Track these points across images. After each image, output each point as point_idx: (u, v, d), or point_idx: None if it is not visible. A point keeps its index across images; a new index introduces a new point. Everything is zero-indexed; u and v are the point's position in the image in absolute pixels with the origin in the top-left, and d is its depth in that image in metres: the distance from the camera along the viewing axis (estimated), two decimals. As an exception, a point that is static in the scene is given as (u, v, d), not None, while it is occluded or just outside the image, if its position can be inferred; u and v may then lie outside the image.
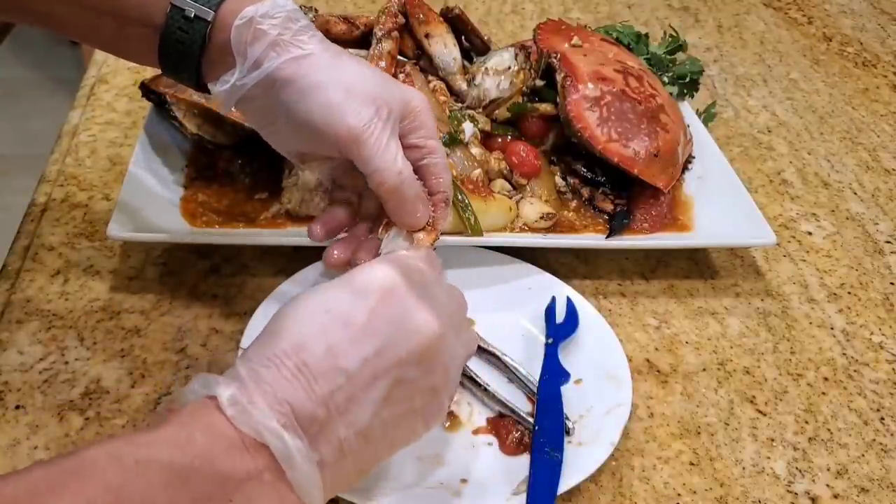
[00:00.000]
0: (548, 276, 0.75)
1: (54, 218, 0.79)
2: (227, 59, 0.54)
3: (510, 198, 0.80)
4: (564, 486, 0.57)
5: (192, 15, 0.54)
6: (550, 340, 0.69)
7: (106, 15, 0.55)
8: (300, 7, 0.83)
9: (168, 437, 0.40)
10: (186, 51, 0.55)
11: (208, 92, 0.57)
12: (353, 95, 0.53)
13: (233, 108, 0.57)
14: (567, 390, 0.65)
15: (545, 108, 0.86)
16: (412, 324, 0.47)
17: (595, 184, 0.85)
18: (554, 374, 0.66)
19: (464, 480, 0.59)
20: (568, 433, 0.62)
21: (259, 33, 0.53)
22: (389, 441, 0.48)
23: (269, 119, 0.57)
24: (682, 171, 0.88)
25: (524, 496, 0.57)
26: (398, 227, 0.57)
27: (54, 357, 0.66)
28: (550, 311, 0.72)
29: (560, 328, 0.70)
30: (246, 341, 0.64)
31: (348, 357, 0.45)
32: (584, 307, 0.72)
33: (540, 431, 0.61)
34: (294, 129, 0.55)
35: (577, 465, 0.59)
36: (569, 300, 0.72)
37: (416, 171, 0.56)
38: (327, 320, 0.46)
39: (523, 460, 0.61)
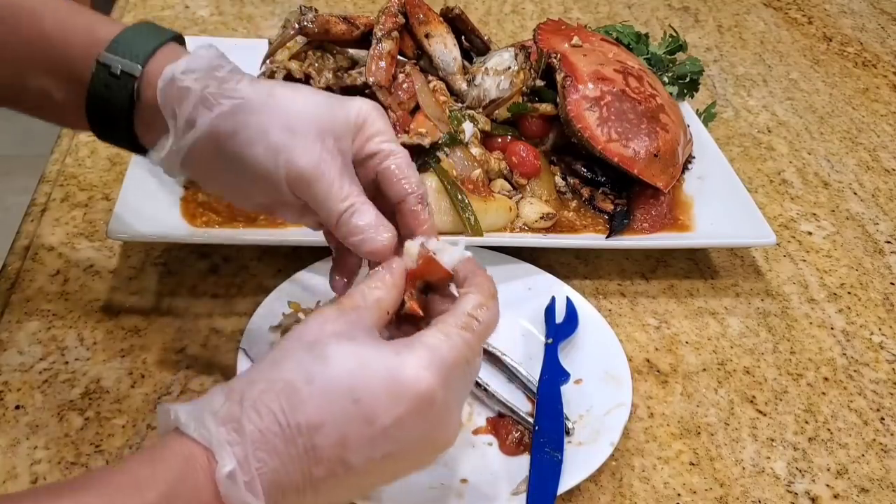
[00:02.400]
0: (548, 276, 0.75)
1: (54, 218, 0.79)
2: (158, 119, 0.52)
3: (510, 198, 0.80)
4: (564, 486, 0.57)
5: (119, 71, 0.51)
6: (550, 340, 0.69)
7: (31, 73, 0.52)
8: (300, 7, 0.83)
9: (149, 500, 0.40)
10: (114, 111, 0.52)
11: (145, 153, 0.55)
12: (296, 135, 0.51)
13: (177, 173, 0.54)
14: (567, 390, 0.65)
15: (545, 108, 0.86)
16: (431, 440, 0.46)
17: (595, 184, 0.85)
18: (554, 374, 0.66)
19: (464, 480, 0.59)
20: (568, 433, 0.61)
21: (184, 91, 0.51)
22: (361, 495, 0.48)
23: (218, 177, 0.54)
24: (682, 171, 0.88)
25: (524, 496, 0.57)
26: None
27: (54, 357, 0.66)
28: (550, 311, 0.72)
29: (560, 328, 0.70)
30: (246, 342, 0.64)
31: (357, 454, 0.43)
32: (584, 307, 0.72)
33: (540, 431, 0.61)
34: (247, 180, 0.52)
35: (577, 465, 0.59)
36: (568, 300, 0.72)
37: (380, 177, 0.54)
38: (352, 411, 0.43)
39: (523, 460, 0.61)
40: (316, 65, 0.85)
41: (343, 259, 0.58)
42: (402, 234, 0.53)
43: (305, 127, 0.51)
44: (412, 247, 0.52)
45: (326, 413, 0.42)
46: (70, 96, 0.53)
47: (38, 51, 0.52)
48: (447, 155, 0.80)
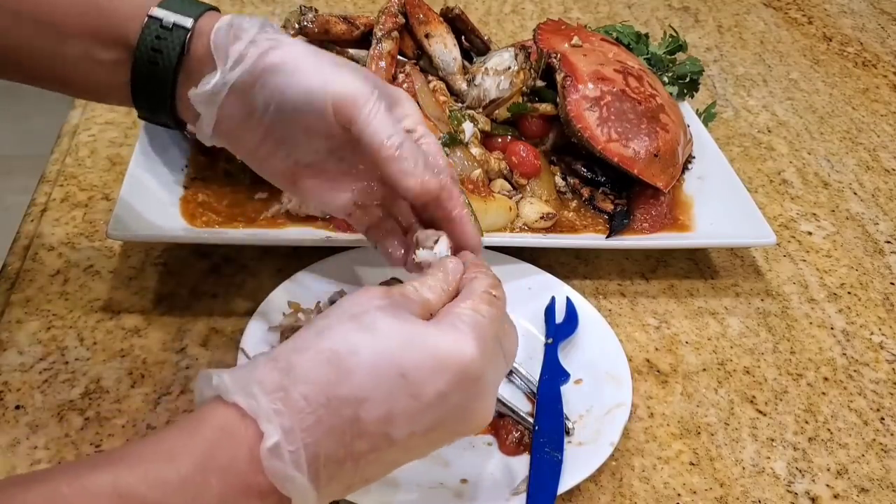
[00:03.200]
0: (548, 276, 0.75)
1: (54, 218, 0.79)
2: (203, 71, 0.53)
3: (510, 198, 0.80)
4: (564, 486, 0.57)
5: (171, 24, 0.53)
6: (550, 340, 0.69)
7: (74, 37, 0.53)
8: (300, 7, 0.83)
9: (184, 474, 0.39)
10: (161, 70, 0.53)
11: (182, 126, 0.56)
12: (345, 67, 0.53)
13: (210, 136, 0.55)
14: (567, 390, 0.65)
15: (545, 108, 0.86)
16: (473, 413, 0.46)
17: (595, 184, 0.85)
18: (554, 374, 0.66)
19: (464, 480, 0.59)
20: (568, 433, 0.61)
21: (240, 33, 0.52)
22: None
23: (252, 130, 0.55)
24: (682, 171, 0.88)
25: (524, 496, 0.57)
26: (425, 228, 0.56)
27: (54, 357, 0.66)
28: (550, 311, 0.72)
29: (560, 328, 0.70)
30: (246, 341, 0.64)
31: (401, 428, 0.43)
32: (584, 307, 0.72)
33: (540, 431, 0.61)
34: (286, 119, 0.53)
35: (577, 465, 0.59)
36: (568, 300, 0.72)
37: None
38: (398, 385, 0.43)
39: (523, 460, 0.61)
40: None
41: (389, 244, 0.59)
42: (430, 219, 0.56)
43: (353, 68, 0.53)
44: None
45: (373, 386, 0.42)
46: (114, 59, 0.53)
47: (86, 14, 0.53)
48: (447, 155, 0.80)
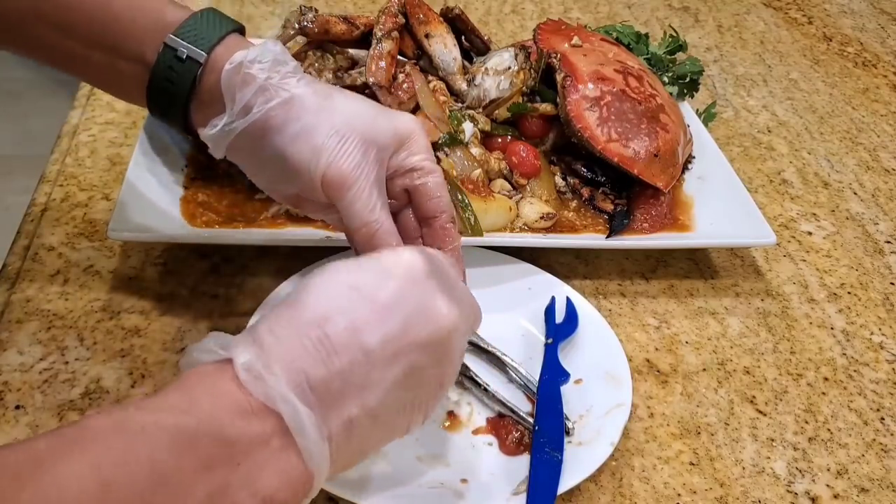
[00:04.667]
0: (548, 276, 0.75)
1: (54, 218, 0.79)
2: (215, 103, 0.55)
3: (510, 198, 0.80)
4: (564, 486, 0.57)
5: (185, 56, 0.54)
6: (550, 340, 0.69)
7: (97, 48, 0.55)
8: (300, 7, 0.83)
9: (174, 403, 0.40)
10: (175, 91, 0.55)
11: (196, 136, 0.58)
12: (341, 140, 0.54)
13: (221, 153, 0.57)
14: (567, 390, 0.65)
15: (545, 108, 0.86)
16: (434, 311, 0.47)
17: (595, 184, 0.85)
18: (554, 374, 0.66)
19: (464, 480, 0.59)
20: (568, 433, 0.62)
21: (248, 78, 0.54)
22: (391, 428, 0.47)
23: (259, 164, 0.58)
24: (683, 171, 0.88)
25: (524, 496, 0.57)
26: None
27: (54, 357, 0.66)
28: (550, 311, 0.72)
29: (560, 328, 0.70)
30: None
31: (370, 334, 0.44)
32: (584, 307, 0.72)
33: (540, 431, 0.61)
34: (285, 174, 0.56)
35: (577, 465, 0.59)
36: (568, 300, 0.72)
37: (412, 193, 0.58)
38: (354, 296, 0.45)
39: (523, 460, 0.61)
40: (316, 65, 0.85)
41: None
42: (427, 245, 0.58)
43: (352, 134, 0.54)
44: None
45: (331, 304, 0.44)
46: (134, 72, 0.56)
47: (106, 31, 0.55)
48: (447, 155, 0.80)
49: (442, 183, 0.58)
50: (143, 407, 0.40)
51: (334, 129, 0.54)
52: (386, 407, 0.45)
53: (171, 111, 0.57)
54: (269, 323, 0.44)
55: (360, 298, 0.45)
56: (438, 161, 0.74)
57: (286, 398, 0.41)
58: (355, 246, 0.56)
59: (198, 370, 0.42)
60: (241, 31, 0.58)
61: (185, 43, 0.54)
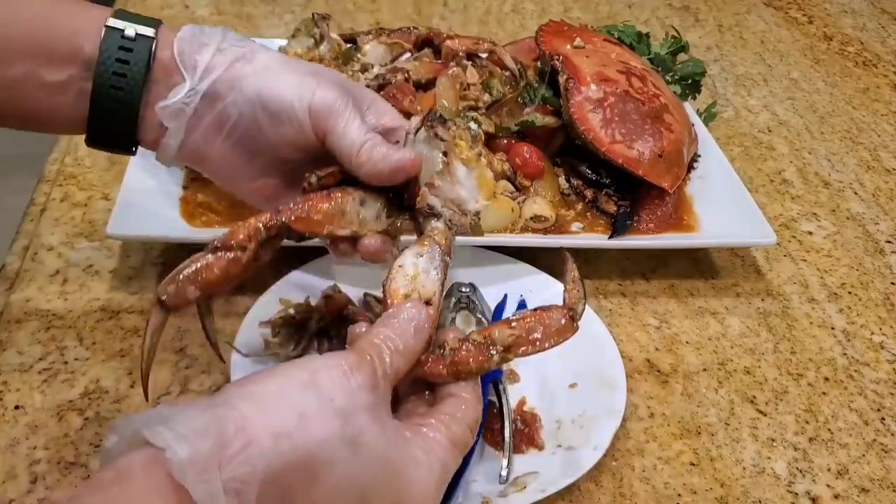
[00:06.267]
0: (548, 276, 0.75)
1: (53, 218, 0.79)
2: (169, 83, 0.51)
3: (513, 199, 0.80)
4: (550, 490, 0.57)
5: (134, 34, 0.50)
6: None
7: (17, 57, 0.49)
8: (314, 15, 0.83)
9: None
10: (129, 76, 0.50)
11: (132, 150, 0.53)
12: (320, 74, 0.53)
13: (174, 153, 0.52)
14: (560, 394, 0.65)
15: (549, 121, 0.85)
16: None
17: (599, 185, 0.84)
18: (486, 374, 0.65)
19: None
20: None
21: (204, 40, 0.51)
22: None
23: (225, 139, 0.53)
24: (688, 171, 0.88)
25: None
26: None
27: (53, 357, 0.66)
28: (500, 309, 0.71)
29: None
30: (239, 341, 0.64)
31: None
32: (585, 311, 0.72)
33: None
34: (261, 130, 0.52)
35: (564, 469, 0.59)
36: (522, 300, 0.72)
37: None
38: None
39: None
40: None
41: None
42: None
43: (325, 75, 0.53)
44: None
45: (330, 502, 0.40)
46: (61, 77, 0.50)
47: (31, 30, 0.49)
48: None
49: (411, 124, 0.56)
50: None
51: (310, 70, 0.53)
52: None
53: (120, 111, 0.51)
54: (272, 482, 0.37)
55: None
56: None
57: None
58: (362, 173, 0.51)
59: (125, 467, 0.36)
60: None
61: (129, 23, 0.50)
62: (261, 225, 0.49)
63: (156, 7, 1.19)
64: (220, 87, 0.51)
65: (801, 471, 0.65)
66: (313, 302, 0.66)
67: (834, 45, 1.32)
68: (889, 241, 0.91)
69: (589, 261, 0.81)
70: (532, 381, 0.67)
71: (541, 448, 0.62)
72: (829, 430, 0.68)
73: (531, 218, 0.79)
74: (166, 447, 0.35)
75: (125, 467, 0.35)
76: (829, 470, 0.65)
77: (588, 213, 0.83)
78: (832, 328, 0.79)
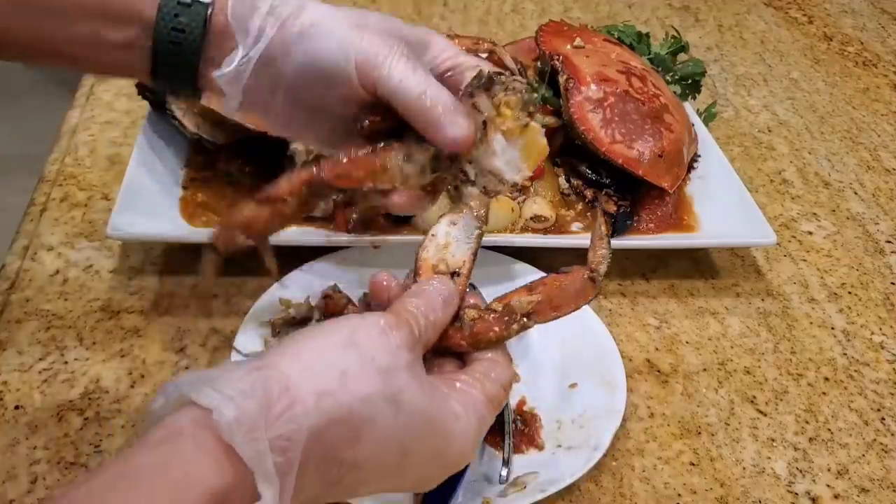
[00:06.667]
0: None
1: (53, 218, 0.79)
2: (226, 46, 0.52)
3: (513, 199, 0.80)
4: (553, 489, 0.57)
5: (190, 0, 0.51)
6: None
7: (81, 18, 0.51)
8: None
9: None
10: (186, 42, 0.51)
11: (198, 96, 0.54)
12: (367, 28, 0.52)
13: (236, 111, 0.53)
14: (560, 394, 0.65)
15: (549, 121, 0.85)
16: (434, 481, 0.46)
17: (599, 185, 0.84)
18: None
19: None
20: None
21: (258, 3, 0.51)
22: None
23: (282, 99, 0.54)
24: (688, 171, 0.88)
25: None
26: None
27: (53, 357, 0.66)
28: None
29: None
30: (239, 341, 0.64)
31: (373, 487, 0.43)
32: (584, 311, 0.72)
33: None
34: (313, 90, 0.52)
35: (566, 469, 0.59)
36: None
37: (450, 85, 0.53)
38: (395, 464, 0.42)
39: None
40: None
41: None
42: None
43: (377, 25, 0.51)
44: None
45: (373, 458, 0.41)
46: (124, 37, 0.51)
47: None
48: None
49: (478, 65, 0.54)
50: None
51: (355, 23, 0.52)
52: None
53: (179, 72, 0.52)
54: (315, 438, 0.38)
55: (398, 467, 0.42)
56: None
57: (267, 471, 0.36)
58: (418, 122, 0.50)
59: (204, 463, 0.36)
60: None
61: None
62: (302, 181, 0.51)
63: (156, 7, 1.19)
64: (272, 51, 0.51)
65: (801, 471, 0.65)
66: (313, 302, 0.66)
67: (834, 45, 1.32)
68: (889, 241, 0.91)
69: (589, 261, 0.81)
70: (532, 381, 0.67)
71: (541, 448, 0.62)
72: (829, 430, 0.68)
73: (531, 218, 0.79)
74: (213, 408, 0.35)
75: (174, 427, 0.36)
76: (829, 470, 0.65)
77: (588, 213, 0.83)
78: (832, 328, 0.79)
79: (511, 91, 0.51)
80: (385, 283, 0.50)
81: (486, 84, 0.51)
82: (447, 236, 0.51)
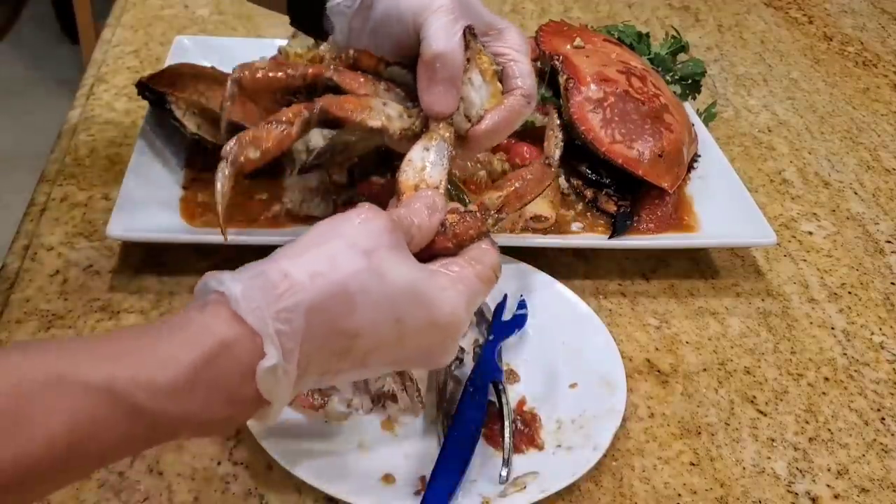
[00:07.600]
0: (548, 276, 0.75)
1: (53, 217, 0.79)
2: None
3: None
4: (553, 489, 0.57)
5: None
6: (491, 337, 0.68)
7: None
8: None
9: (174, 385, 0.41)
10: None
11: (320, 28, 0.64)
12: None
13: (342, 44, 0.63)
14: (560, 394, 0.65)
15: (541, 119, 0.85)
16: (438, 357, 0.51)
17: (599, 185, 0.84)
18: (486, 372, 0.65)
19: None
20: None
21: None
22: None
23: (371, 42, 0.62)
24: (688, 171, 0.88)
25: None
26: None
27: (54, 357, 0.66)
28: (500, 309, 0.71)
29: (503, 326, 0.70)
30: None
31: (380, 358, 0.48)
32: (584, 310, 0.72)
33: (453, 427, 0.60)
34: (391, 34, 0.60)
35: (566, 469, 0.59)
36: (522, 299, 0.72)
37: (503, 71, 0.60)
38: (391, 328, 0.47)
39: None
40: None
41: None
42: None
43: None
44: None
45: (371, 325, 0.46)
46: None
47: None
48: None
49: (530, 71, 0.60)
50: (142, 384, 0.41)
51: None
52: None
53: (311, 9, 0.64)
54: (313, 309, 0.45)
55: (395, 332, 0.47)
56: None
57: (283, 400, 0.45)
58: (420, 76, 0.58)
59: (215, 333, 0.43)
60: None
61: None
62: (303, 107, 0.58)
63: (156, 7, 1.19)
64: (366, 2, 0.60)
65: (801, 471, 0.65)
66: None
67: (834, 45, 1.32)
68: (889, 241, 0.91)
69: (589, 261, 0.81)
70: (532, 381, 0.67)
71: (541, 448, 0.62)
72: (829, 430, 0.68)
73: (531, 218, 0.79)
74: (225, 288, 0.44)
75: (202, 303, 0.44)
76: (829, 470, 0.65)
77: (588, 213, 0.83)
78: (832, 328, 0.79)
79: (484, 52, 0.60)
80: None
81: (472, 33, 0.59)
82: (423, 160, 0.57)
